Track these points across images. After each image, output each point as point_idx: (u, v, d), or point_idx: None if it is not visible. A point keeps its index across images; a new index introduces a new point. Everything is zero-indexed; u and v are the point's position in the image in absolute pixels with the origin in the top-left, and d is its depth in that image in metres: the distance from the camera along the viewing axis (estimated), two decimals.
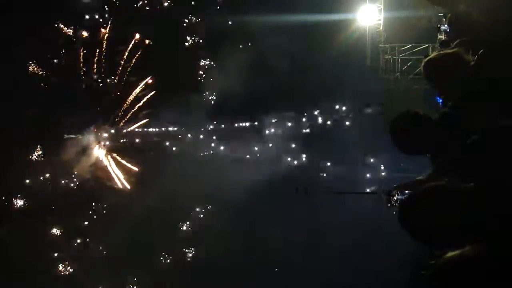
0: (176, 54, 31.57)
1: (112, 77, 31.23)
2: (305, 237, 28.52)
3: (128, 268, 30.84)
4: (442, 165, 3.59)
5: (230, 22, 31.29)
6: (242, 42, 30.51)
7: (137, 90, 31.11)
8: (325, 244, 27.77)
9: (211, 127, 32.13)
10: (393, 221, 2.76)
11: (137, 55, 30.88)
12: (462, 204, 2.45)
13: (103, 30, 30.93)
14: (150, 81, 31.07)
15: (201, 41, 32.18)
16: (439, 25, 15.86)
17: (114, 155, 31.66)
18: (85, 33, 30.90)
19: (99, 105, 31.40)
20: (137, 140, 32.45)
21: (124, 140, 32.20)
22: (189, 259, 32.04)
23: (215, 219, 30.97)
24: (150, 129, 32.30)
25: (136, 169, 31.52)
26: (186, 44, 32.19)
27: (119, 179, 31.53)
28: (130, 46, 30.89)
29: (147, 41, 31.18)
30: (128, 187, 31.44)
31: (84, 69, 30.81)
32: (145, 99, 31.31)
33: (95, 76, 30.90)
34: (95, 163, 31.45)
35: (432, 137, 3.60)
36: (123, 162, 31.60)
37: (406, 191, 3.77)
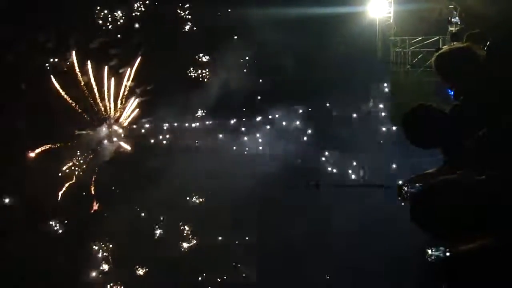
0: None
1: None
2: (318, 231, 28.44)
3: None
4: (454, 158, 3.59)
5: (240, 15, 31.06)
6: (253, 36, 30.28)
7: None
8: (334, 239, 27.68)
9: (217, 121, 31.99)
10: (404, 213, 2.80)
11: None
12: (473, 197, 2.46)
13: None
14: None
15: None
16: (450, 18, 15.72)
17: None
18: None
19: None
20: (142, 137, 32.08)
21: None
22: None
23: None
24: (149, 124, 32.04)
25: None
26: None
27: None
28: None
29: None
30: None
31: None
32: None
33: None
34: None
35: (446, 131, 3.57)
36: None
37: (417, 184, 3.73)
